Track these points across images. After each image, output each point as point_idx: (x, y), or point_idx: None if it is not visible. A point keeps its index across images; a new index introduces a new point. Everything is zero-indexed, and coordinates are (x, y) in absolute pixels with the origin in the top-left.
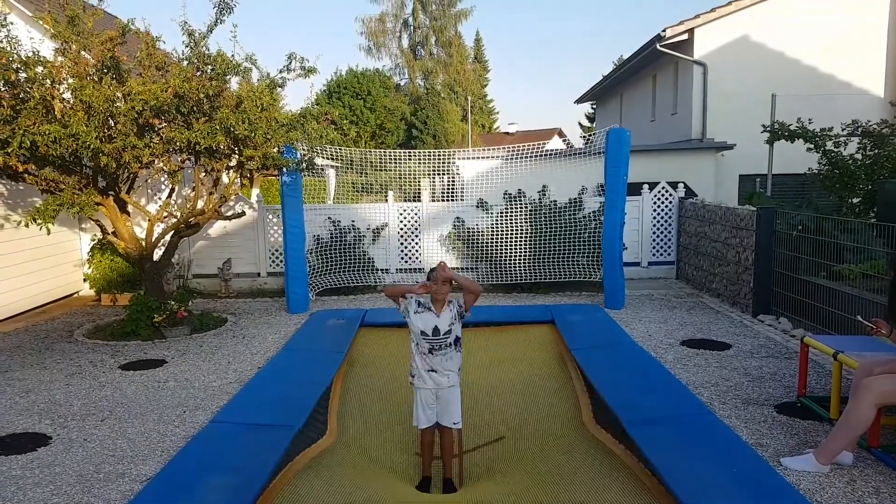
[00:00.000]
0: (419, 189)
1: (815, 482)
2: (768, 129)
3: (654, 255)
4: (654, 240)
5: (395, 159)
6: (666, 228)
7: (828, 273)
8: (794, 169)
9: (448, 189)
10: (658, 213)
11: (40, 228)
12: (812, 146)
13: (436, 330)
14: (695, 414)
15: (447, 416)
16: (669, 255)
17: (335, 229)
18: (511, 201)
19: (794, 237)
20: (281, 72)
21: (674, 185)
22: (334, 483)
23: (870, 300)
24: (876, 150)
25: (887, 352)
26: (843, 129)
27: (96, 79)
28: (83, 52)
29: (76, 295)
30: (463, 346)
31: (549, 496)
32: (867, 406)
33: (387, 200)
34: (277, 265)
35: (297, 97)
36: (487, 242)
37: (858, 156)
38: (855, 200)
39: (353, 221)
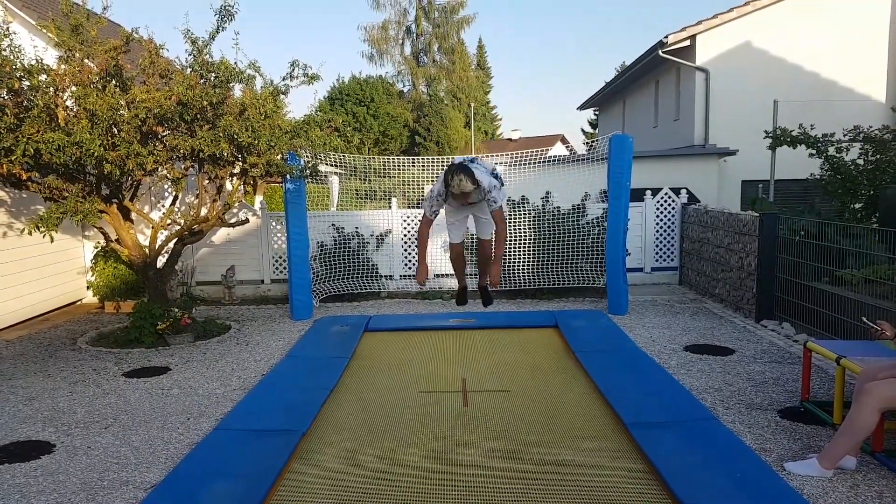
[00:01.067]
0: (422, 195)
1: (818, 487)
2: (770, 134)
3: (657, 260)
4: (657, 245)
5: (398, 166)
6: (669, 234)
7: (830, 278)
8: (796, 174)
9: None
10: (661, 219)
11: (43, 236)
12: (814, 152)
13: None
14: (698, 419)
15: (485, 232)
16: (672, 260)
17: (339, 236)
18: (514, 208)
19: (796, 242)
20: (284, 79)
21: (676, 191)
22: (334, 481)
23: (872, 305)
24: (878, 156)
25: (890, 357)
26: (844, 135)
27: (100, 87)
28: (87, 61)
29: (79, 303)
30: (468, 349)
31: (555, 496)
32: (870, 411)
33: (390, 207)
34: (281, 272)
35: (300, 104)
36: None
37: (860, 161)
38: (857, 206)
39: (356, 228)
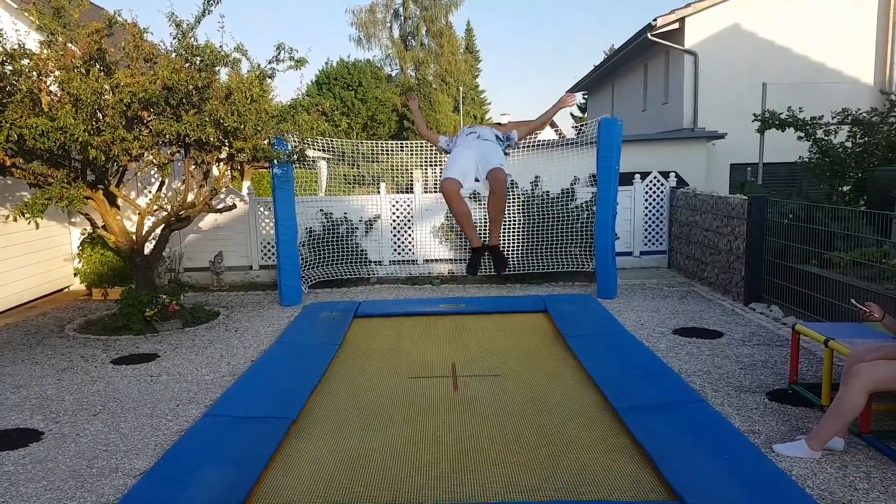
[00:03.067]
0: (411, 180)
1: (806, 468)
2: (759, 117)
3: (646, 244)
4: (646, 229)
5: (386, 151)
6: (658, 218)
7: (819, 261)
8: (784, 157)
9: (440, 180)
10: (650, 203)
11: (29, 223)
12: (802, 134)
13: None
14: (687, 401)
15: (490, 162)
16: (661, 244)
17: (327, 221)
18: None
19: (785, 226)
20: (270, 62)
21: (665, 174)
22: (325, 470)
23: (860, 287)
24: (866, 138)
25: (878, 338)
26: (833, 118)
27: (84, 71)
28: (70, 44)
29: (67, 290)
30: (457, 334)
31: (546, 482)
32: (858, 392)
33: (379, 192)
34: (269, 258)
35: (287, 89)
36: (479, 233)
37: (848, 144)
38: (845, 188)
39: (345, 213)
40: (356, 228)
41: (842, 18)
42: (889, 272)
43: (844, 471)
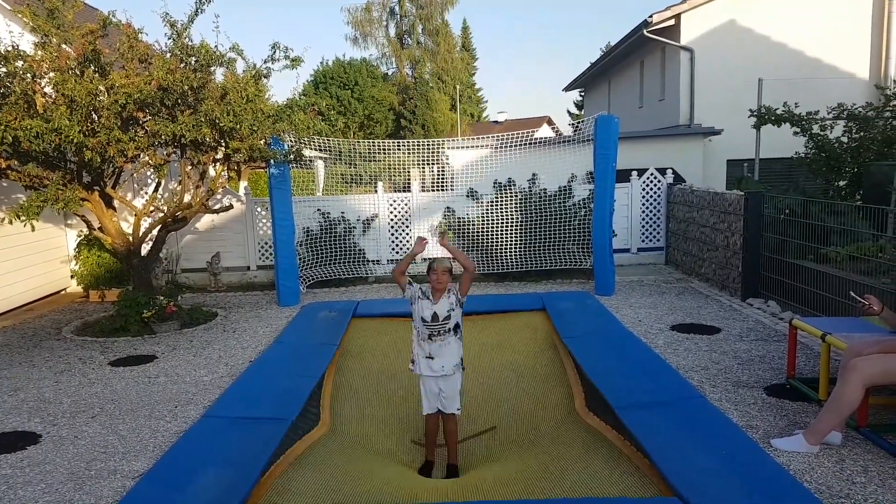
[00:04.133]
0: (409, 179)
1: (804, 462)
2: (755, 113)
3: (643, 241)
4: (643, 226)
5: (383, 150)
6: (655, 214)
7: (815, 256)
8: (781, 153)
9: (438, 179)
10: (647, 200)
11: (24, 225)
12: (799, 130)
13: (434, 316)
14: (685, 397)
15: (450, 403)
16: (659, 240)
17: (325, 221)
18: (501, 190)
19: (781, 221)
20: (265, 62)
21: (662, 171)
22: (328, 474)
23: (856, 282)
24: (861, 133)
25: (875, 333)
26: (829, 113)
27: (78, 72)
28: (64, 46)
29: (64, 292)
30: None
31: (542, 481)
32: (855, 387)
33: (376, 191)
34: (267, 258)
35: (283, 88)
36: (478, 232)
37: (844, 139)
38: (841, 183)
39: (342, 213)
40: (354, 228)
41: (837, 14)
42: (885, 266)
43: (842, 465)
